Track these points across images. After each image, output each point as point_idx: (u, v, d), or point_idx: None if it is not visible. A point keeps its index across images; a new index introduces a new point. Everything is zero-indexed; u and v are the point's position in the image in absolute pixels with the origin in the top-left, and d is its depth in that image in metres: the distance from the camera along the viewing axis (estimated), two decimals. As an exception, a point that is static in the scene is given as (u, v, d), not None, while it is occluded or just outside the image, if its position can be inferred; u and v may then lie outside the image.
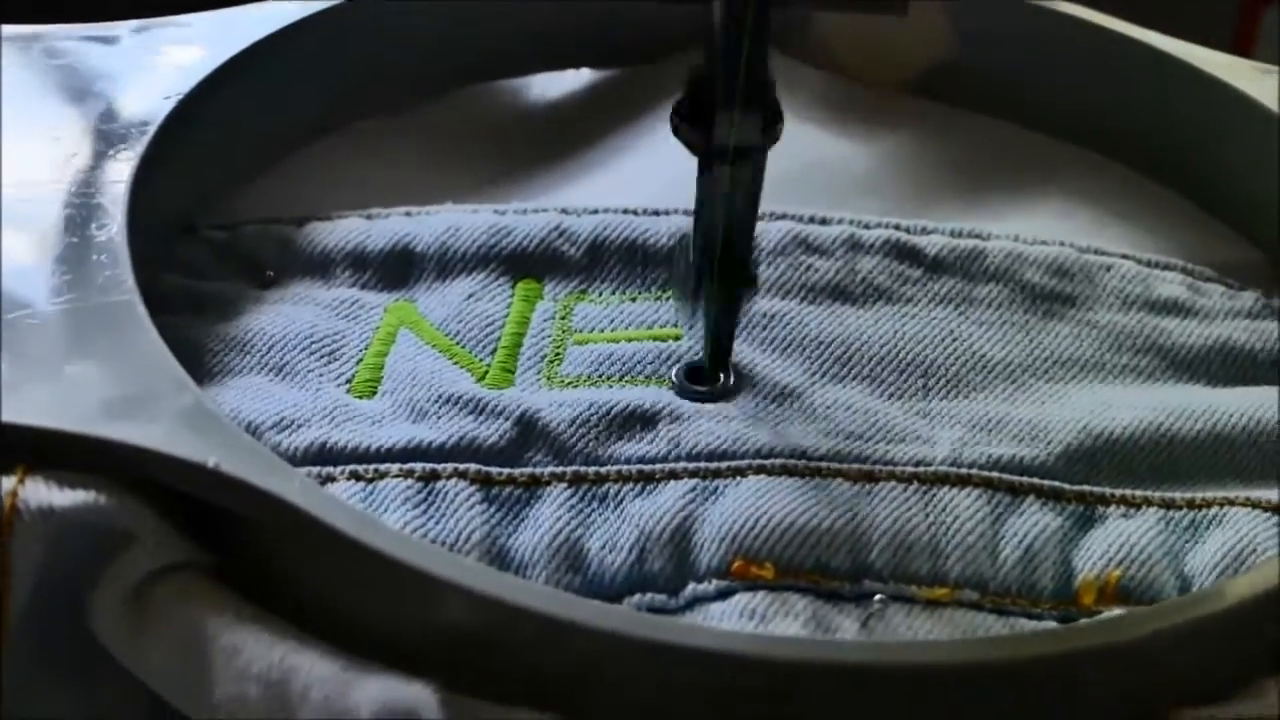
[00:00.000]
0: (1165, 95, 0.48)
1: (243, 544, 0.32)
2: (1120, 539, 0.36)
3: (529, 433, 0.37)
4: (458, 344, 0.40)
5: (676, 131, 0.37)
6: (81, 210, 0.38)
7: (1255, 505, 0.37)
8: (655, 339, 0.40)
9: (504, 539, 0.35)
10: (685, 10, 0.42)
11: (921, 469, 0.37)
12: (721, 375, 0.39)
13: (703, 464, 0.36)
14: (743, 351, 0.40)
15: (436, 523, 0.34)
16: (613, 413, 0.38)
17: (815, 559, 0.34)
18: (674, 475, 0.36)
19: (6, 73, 0.43)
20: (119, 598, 0.31)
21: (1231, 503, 0.37)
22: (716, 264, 0.37)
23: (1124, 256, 0.44)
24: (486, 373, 0.39)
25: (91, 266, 0.36)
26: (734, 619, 0.33)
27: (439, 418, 0.37)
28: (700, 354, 0.39)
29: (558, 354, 0.40)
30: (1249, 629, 0.31)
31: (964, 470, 0.37)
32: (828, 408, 0.39)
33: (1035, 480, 0.37)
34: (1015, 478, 0.37)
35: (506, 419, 0.37)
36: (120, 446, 0.31)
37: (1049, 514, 0.36)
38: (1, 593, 0.31)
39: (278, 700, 0.29)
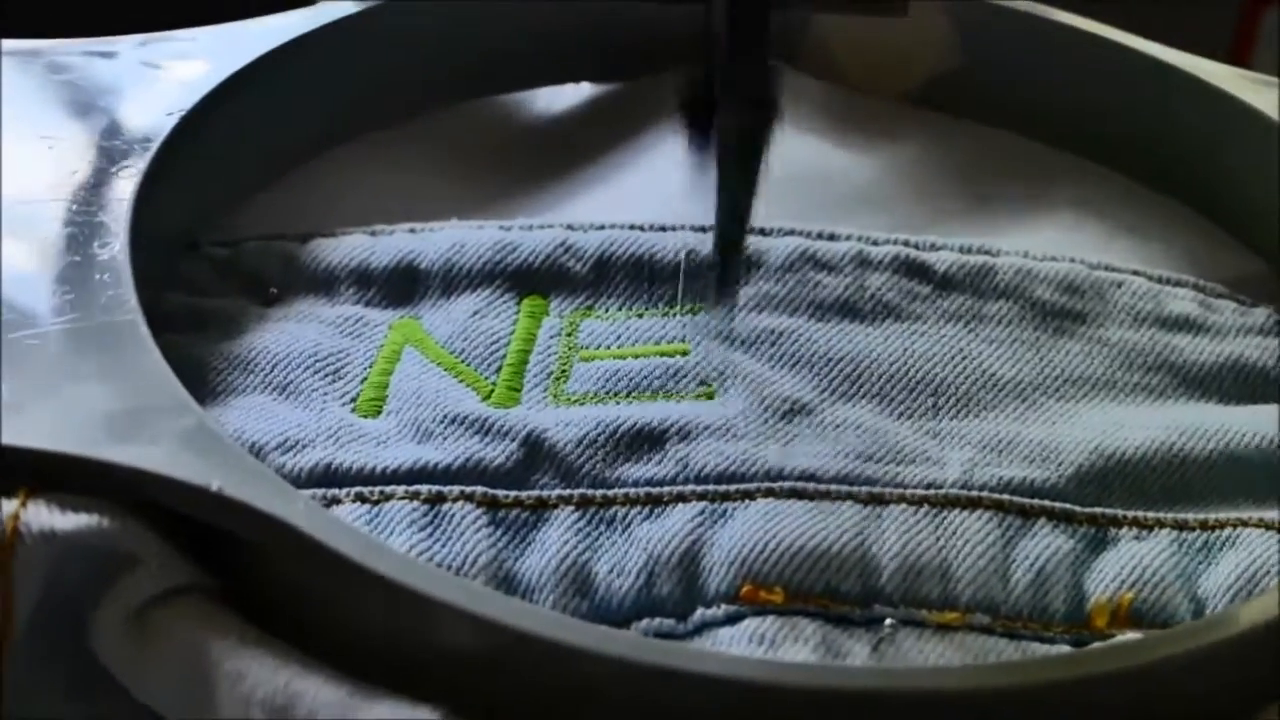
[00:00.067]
0: (1168, 105, 0.48)
1: (247, 567, 0.32)
2: (1133, 561, 0.35)
3: (535, 454, 0.37)
4: (463, 362, 0.40)
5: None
6: (84, 228, 0.37)
7: (1269, 527, 0.36)
8: (662, 354, 0.40)
9: (510, 562, 0.34)
10: (685, 10, 0.42)
11: (932, 492, 0.36)
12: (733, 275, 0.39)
13: (711, 486, 0.36)
14: (750, 368, 0.40)
15: (442, 546, 0.34)
16: (620, 432, 0.37)
17: (825, 583, 0.34)
18: (682, 498, 0.36)
19: (8, 88, 0.42)
20: (121, 620, 0.31)
21: (1245, 524, 0.37)
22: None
23: (1135, 273, 0.44)
24: (492, 391, 0.39)
25: (94, 286, 0.36)
26: (743, 644, 0.33)
27: (445, 438, 0.37)
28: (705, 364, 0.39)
29: (564, 371, 0.40)
30: (1262, 653, 0.31)
31: (975, 493, 0.36)
32: (836, 427, 0.38)
33: (1047, 503, 0.36)
34: (1026, 500, 0.36)
35: (513, 439, 0.37)
36: (122, 469, 0.31)
37: (1061, 536, 0.36)
38: (4, 616, 0.31)
39: (283, 726, 0.29)
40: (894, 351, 0.41)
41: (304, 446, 0.36)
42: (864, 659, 0.33)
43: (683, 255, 0.42)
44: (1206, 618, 0.34)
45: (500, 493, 0.36)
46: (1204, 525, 0.37)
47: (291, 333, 0.40)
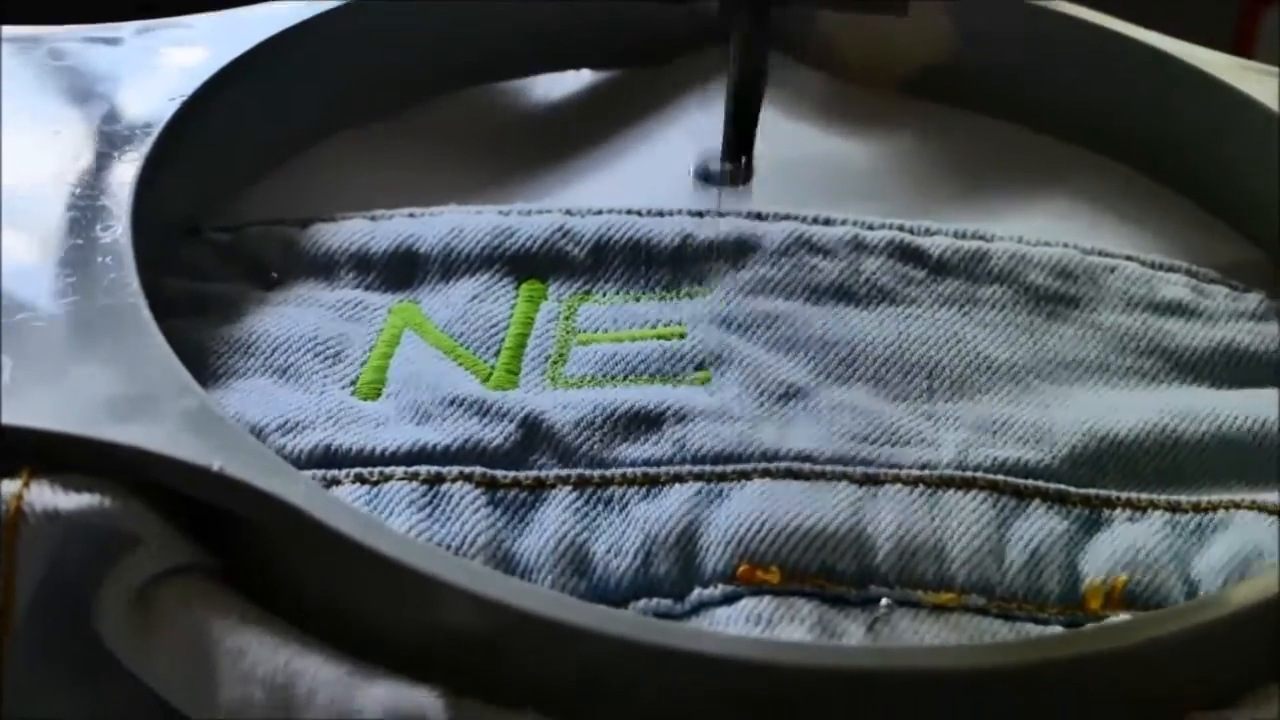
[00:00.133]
0: (1166, 96, 0.48)
1: (247, 547, 0.32)
2: (1126, 542, 0.35)
3: (534, 435, 0.37)
4: (462, 345, 0.40)
5: None
6: (85, 212, 0.37)
7: (1261, 509, 0.37)
8: (660, 338, 0.40)
9: (509, 542, 0.35)
10: (685, 10, 0.42)
11: (927, 472, 0.37)
12: (742, 158, 0.39)
13: (708, 467, 0.36)
14: (747, 351, 0.40)
15: (441, 526, 0.34)
16: (617, 413, 0.38)
17: (821, 563, 0.34)
18: (679, 478, 0.36)
19: (9, 74, 0.42)
20: (124, 600, 0.31)
21: (1238, 506, 0.37)
22: None
23: (1128, 258, 0.44)
24: (491, 374, 0.39)
25: (96, 269, 0.36)
26: (740, 624, 0.33)
27: (443, 420, 0.37)
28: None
29: (562, 354, 0.40)
30: (1256, 634, 0.31)
31: (969, 473, 0.37)
32: (832, 409, 0.38)
33: (1041, 484, 0.37)
34: (1021, 481, 0.37)
35: (511, 421, 0.37)
36: (125, 449, 0.31)
37: (1055, 518, 0.36)
38: (6, 595, 0.31)
39: (283, 704, 0.29)
40: (889, 335, 0.41)
41: (304, 428, 0.36)
42: (859, 639, 0.33)
43: (680, 240, 0.43)
44: (1199, 599, 0.35)
45: (499, 473, 0.36)
46: (1197, 507, 0.37)
47: (292, 316, 0.40)
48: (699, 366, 0.40)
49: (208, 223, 0.43)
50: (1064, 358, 0.41)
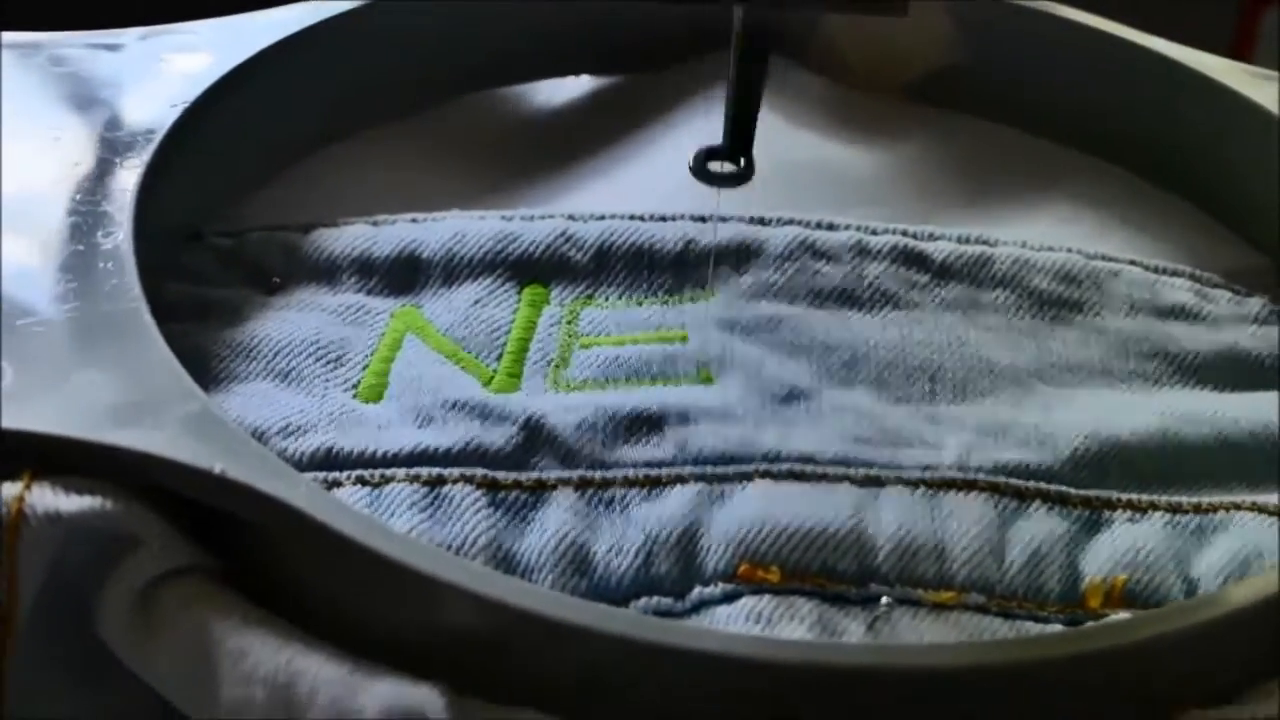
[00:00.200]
0: (1168, 100, 0.48)
1: (249, 548, 0.32)
2: (1126, 543, 0.36)
3: (535, 437, 0.37)
4: (464, 349, 0.40)
5: None
6: (87, 218, 0.38)
7: (1262, 510, 0.37)
8: (662, 340, 0.40)
9: (510, 543, 0.35)
10: (685, 10, 0.42)
11: (928, 474, 0.37)
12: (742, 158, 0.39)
13: (709, 468, 0.36)
14: (750, 353, 0.40)
15: (443, 527, 0.34)
16: (619, 416, 0.38)
17: (821, 562, 0.34)
18: (680, 480, 0.36)
19: (10, 80, 0.43)
20: (125, 602, 0.31)
21: (1238, 507, 0.37)
22: None
23: (1131, 263, 0.44)
24: (492, 377, 0.39)
25: (97, 274, 0.36)
26: (740, 622, 0.33)
27: (445, 423, 0.37)
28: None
29: (564, 358, 0.40)
30: (1255, 632, 0.31)
31: (970, 475, 0.37)
32: (834, 411, 0.38)
33: (1042, 485, 0.37)
34: (1022, 482, 0.37)
35: (513, 424, 0.37)
36: (126, 452, 0.31)
37: (1055, 518, 0.36)
38: (9, 597, 0.31)
39: (284, 703, 0.30)
40: (892, 339, 0.41)
41: (305, 431, 0.37)
42: (859, 637, 0.33)
43: (682, 244, 0.43)
44: (1199, 597, 0.35)
45: (500, 475, 0.36)
46: (1197, 508, 0.37)
47: (294, 321, 0.40)
48: (701, 368, 0.40)
49: (209, 228, 0.43)
50: (1067, 361, 0.41)
